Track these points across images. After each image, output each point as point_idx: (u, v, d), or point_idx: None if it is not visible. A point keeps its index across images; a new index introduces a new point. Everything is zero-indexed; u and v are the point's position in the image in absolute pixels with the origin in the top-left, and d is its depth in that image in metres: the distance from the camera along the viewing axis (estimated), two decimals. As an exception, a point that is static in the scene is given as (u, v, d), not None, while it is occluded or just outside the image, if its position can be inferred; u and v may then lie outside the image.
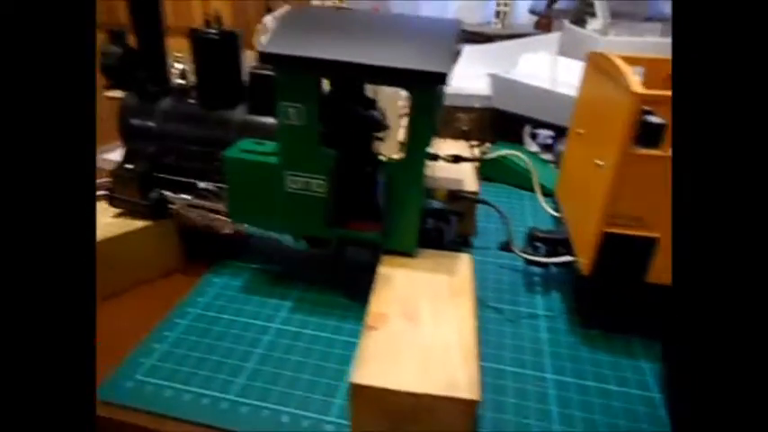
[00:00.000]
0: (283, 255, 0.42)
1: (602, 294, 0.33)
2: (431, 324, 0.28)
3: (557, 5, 1.27)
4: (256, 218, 0.35)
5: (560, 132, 0.68)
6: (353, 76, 0.31)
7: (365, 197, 0.38)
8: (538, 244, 0.39)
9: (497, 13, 1.40)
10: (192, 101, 0.38)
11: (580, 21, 0.94)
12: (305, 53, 0.28)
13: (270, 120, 0.37)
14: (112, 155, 0.61)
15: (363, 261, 0.40)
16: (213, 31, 0.35)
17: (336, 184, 0.32)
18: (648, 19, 0.85)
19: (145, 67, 0.37)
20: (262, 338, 0.33)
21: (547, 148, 0.66)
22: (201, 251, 0.41)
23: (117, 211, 0.38)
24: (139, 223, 0.37)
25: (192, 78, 0.38)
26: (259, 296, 0.37)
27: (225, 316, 0.35)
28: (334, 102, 0.34)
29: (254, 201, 0.34)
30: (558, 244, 0.37)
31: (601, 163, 0.31)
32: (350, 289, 0.38)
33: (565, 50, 0.89)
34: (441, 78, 0.27)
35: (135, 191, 0.36)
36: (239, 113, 0.37)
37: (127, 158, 0.37)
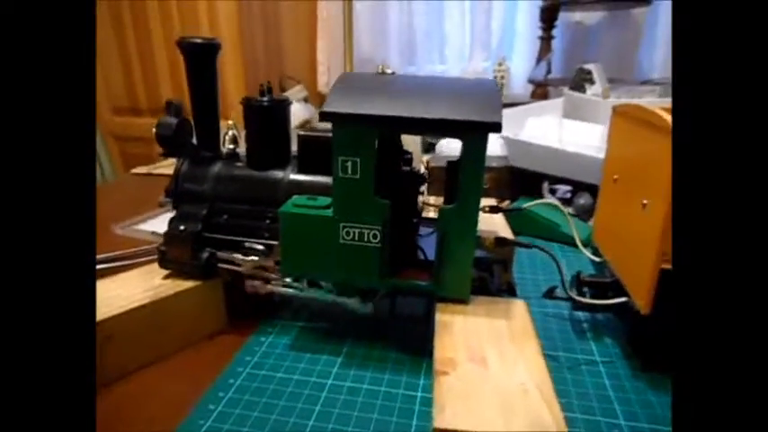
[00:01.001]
0: (326, 311, 0.42)
1: (664, 335, 0.32)
2: (500, 367, 0.27)
3: (551, 75, 1.36)
4: (309, 270, 0.35)
5: (576, 187, 0.71)
6: (409, 130, 0.33)
7: (411, 247, 0.38)
8: (585, 289, 0.39)
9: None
10: (240, 164, 0.40)
11: (578, 87, 1.00)
12: (364, 110, 0.30)
13: (316, 178, 0.38)
14: (143, 225, 0.63)
15: (410, 313, 0.40)
16: (266, 99, 0.38)
17: (389, 235, 0.33)
18: (645, 82, 0.92)
19: (199, 136, 0.40)
20: (319, 395, 0.32)
21: (566, 201, 0.68)
22: (245, 311, 0.41)
23: (164, 272, 0.39)
24: (189, 283, 0.38)
25: (243, 143, 0.40)
26: (309, 353, 0.37)
27: (278, 374, 0.34)
28: (382, 157, 0.35)
29: (307, 254, 0.35)
30: (607, 287, 0.37)
31: (646, 202, 0.32)
32: (399, 341, 0.38)
33: (567, 114, 0.94)
34: (495, 127, 0.29)
35: (187, 251, 0.37)
36: (288, 174, 0.39)
37: (178, 221, 0.38)
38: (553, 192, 0.69)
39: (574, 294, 0.38)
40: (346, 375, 0.34)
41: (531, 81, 1.35)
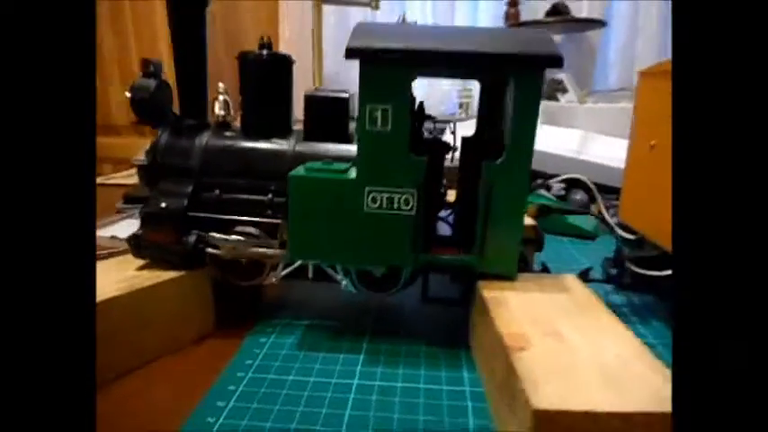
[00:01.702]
0: (333, 305, 0.36)
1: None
2: (583, 340, 0.23)
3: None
4: (324, 250, 0.30)
5: (570, 184, 0.69)
6: (452, 68, 0.28)
7: (435, 221, 0.34)
8: (625, 266, 0.35)
9: (460, 105, 1.50)
10: (231, 133, 0.34)
11: (551, 97, 1.01)
12: (398, 45, 0.26)
13: (327, 146, 0.33)
14: (101, 231, 0.54)
15: (444, 296, 0.34)
16: (265, 53, 0.33)
17: (424, 201, 0.28)
18: (622, 89, 0.94)
19: (182, 100, 0.34)
20: (347, 397, 0.26)
21: (561, 197, 0.66)
22: (238, 308, 0.34)
23: (141, 262, 0.32)
24: (171, 273, 0.31)
25: (233, 111, 0.35)
26: (324, 351, 0.30)
27: (289, 377, 0.28)
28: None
29: (322, 229, 0.29)
30: (652, 262, 0.34)
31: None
32: (425, 332, 0.32)
33: (544, 122, 0.95)
34: (555, 61, 0.25)
35: (170, 232, 0.30)
36: (292, 142, 0.33)
37: (158, 198, 0.32)
38: (548, 188, 0.67)
39: (609, 274, 0.35)
40: (374, 374, 0.28)
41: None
